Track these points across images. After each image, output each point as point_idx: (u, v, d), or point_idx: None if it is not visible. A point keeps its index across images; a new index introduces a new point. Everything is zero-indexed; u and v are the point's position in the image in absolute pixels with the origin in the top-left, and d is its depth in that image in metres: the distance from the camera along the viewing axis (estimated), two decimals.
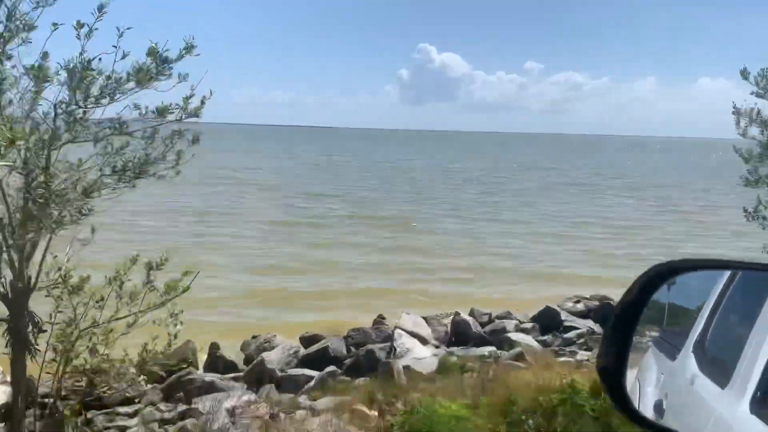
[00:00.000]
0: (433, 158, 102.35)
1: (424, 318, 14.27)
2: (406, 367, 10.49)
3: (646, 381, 1.88)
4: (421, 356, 11.37)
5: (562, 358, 12.20)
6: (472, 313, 14.58)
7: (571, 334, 14.09)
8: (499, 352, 12.29)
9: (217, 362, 10.98)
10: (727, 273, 1.71)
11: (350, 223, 29.01)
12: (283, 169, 62.61)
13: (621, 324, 1.47)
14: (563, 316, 15.29)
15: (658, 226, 31.46)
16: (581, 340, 14.08)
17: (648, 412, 1.68)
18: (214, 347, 11.24)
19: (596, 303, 16.44)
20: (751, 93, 22.14)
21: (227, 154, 77.85)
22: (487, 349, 12.23)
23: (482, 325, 14.07)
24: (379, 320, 13.72)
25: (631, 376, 1.57)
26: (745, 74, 21.08)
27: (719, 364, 1.61)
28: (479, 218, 32.77)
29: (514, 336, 12.83)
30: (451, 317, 14.14)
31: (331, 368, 10.38)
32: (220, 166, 61.97)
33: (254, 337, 12.00)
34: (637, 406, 1.60)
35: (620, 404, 1.44)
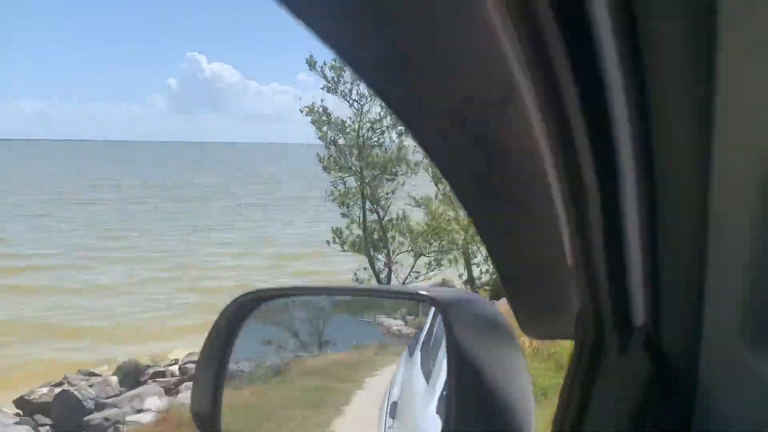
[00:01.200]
0: (160, 173, 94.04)
1: None
2: None
3: (394, 382, 1.80)
4: None
5: None
6: None
7: None
8: None
9: None
10: None
11: None
12: None
13: (209, 362, 1.32)
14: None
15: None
16: None
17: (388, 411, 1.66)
18: None
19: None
20: (322, 88, 17.84)
21: None
22: None
23: None
24: None
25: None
26: (311, 63, 17.18)
27: (430, 362, 1.58)
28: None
29: None
30: None
31: None
32: None
33: None
34: (387, 406, 1.64)
35: None
